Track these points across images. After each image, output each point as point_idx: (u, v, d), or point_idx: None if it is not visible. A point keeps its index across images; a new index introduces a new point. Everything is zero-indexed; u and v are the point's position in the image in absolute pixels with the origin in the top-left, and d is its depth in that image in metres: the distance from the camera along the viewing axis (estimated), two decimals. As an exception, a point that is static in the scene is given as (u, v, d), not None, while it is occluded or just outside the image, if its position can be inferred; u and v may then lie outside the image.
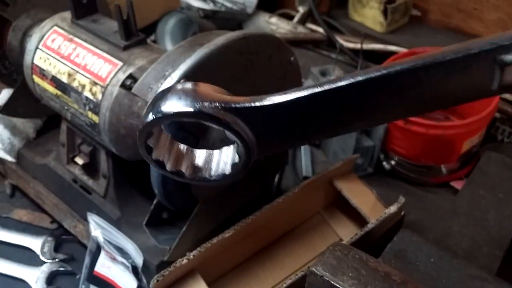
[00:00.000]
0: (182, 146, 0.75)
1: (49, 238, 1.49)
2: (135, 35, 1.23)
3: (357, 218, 1.34)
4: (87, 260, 1.33)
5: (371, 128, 1.66)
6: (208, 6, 2.36)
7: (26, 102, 1.47)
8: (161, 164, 0.72)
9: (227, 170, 0.72)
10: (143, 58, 1.18)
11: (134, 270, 1.25)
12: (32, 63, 1.31)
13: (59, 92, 1.26)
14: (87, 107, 1.20)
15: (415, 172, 1.70)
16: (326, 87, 0.64)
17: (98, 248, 1.32)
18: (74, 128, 1.36)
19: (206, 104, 0.64)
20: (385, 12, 2.18)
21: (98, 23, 1.28)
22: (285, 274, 1.29)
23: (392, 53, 2.10)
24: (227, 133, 0.67)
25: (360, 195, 1.35)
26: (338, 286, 0.85)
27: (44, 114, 1.62)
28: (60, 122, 1.41)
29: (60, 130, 1.41)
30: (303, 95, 0.65)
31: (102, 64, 1.19)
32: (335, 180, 1.37)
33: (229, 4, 2.45)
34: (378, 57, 2.09)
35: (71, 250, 1.49)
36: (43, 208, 1.56)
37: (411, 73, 0.62)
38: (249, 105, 0.66)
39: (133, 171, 1.35)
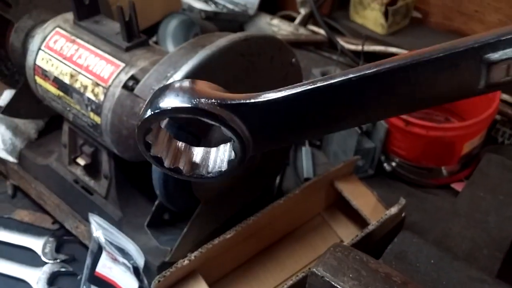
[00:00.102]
0: (180, 144, 0.76)
1: (51, 239, 1.49)
2: (137, 36, 1.23)
3: (358, 219, 1.34)
4: (88, 261, 1.33)
5: (368, 127, 1.66)
6: (210, 8, 2.36)
7: (28, 103, 1.48)
8: (159, 161, 0.73)
9: (224, 167, 0.73)
10: (145, 59, 1.18)
11: (136, 271, 1.25)
12: (34, 64, 1.31)
13: (61, 93, 1.26)
14: (89, 108, 1.20)
15: (415, 174, 1.70)
16: (319, 84, 0.65)
17: (100, 249, 1.32)
18: (76, 129, 1.37)
19: (202, 100, 0.66)
20: (386, 14, 2.19)
21: (100, 25, 1.29)
22: (286, 275, 1.30)
23: (393, 55, 2.10)
24: (223, 129, 0.68)
25: (361, 197, 1.35)
26: (338, 287, 0.86)
27: (46, 115, 1.62)
28: (62, 123, 1.42)
29: (62, 131, 1.42)
30: (296, 91, 0.66)
31: (104, 65, 1.19)
32: (336, 181, 1.37)
33: (230, 6, 2.45)
34: (379, 59, 2.07)
35: (73, 250, 1.49)
36: (45, 209, 1.56)
37: (400, 71, 0.63)
38: (245, 102, 0.67)
39: (134, 172, 1.36)
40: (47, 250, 1.47)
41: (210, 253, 1.14)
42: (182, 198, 1.16)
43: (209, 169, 0.74)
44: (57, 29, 1.30)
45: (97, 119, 1.19)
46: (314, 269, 0.88)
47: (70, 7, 1.29)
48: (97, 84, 1.18)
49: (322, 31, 2.34)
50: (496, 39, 0.59)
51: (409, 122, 1.57)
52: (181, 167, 0.74)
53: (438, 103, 0.66)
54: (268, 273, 1.29)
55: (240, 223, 1.20)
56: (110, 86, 1.16)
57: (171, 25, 2.13)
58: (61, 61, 1.26)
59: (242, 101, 0.68)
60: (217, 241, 1.15)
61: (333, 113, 0.69)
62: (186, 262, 1.09)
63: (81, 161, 1.38)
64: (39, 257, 1.46)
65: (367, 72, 0.63)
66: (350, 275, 0.86)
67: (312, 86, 0.66)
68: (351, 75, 0.64)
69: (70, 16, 1.32)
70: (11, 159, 1.59)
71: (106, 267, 1.32)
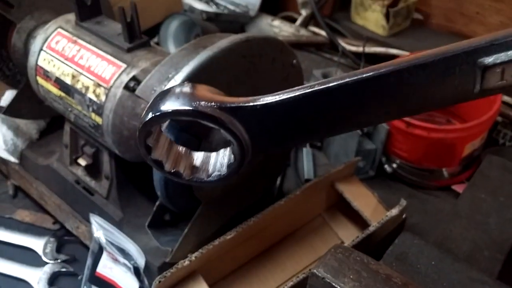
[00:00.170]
0: (181, 148, 0.77)
1: (52, 239, 1.49)
2: (138, 37, 1.23)
3: (359, 220, 1.34)
4: (89, 261, 1.33)
5: (369, 129, 1.67)
6: (211, 9, 2.36)
7: (29, 103, 1.48)
8: (159, 164, 0.74)
9: (223, 171, 0.74)
10: (147, 60, 1.18)
11: (136, 271, 1.25)
12: (36, 64, 1.31)
13: (62, 94, 1.27)
14: (90, 109, 1.20)
15: (416, 175, 1.70)
16: (317, 87, 0.66)
17: (100, 249, 1.32)
18: (77, 130, 1.37)
19: (202, 103, 0.67)
20: (387, 16, 2.19)
21: (102, 25, 1.29)
22: (286, 276, 1.30)
23: (394, 56, 2.10)
24: (222, 132, 0.68)
25: (362, 198, 1.35)
26: (339, 288, 0.86)
27: (47, 116, 1.63)
28: (63, 124, 1.42)
29: (63, 132, 1.42)
30: (295, 95, 0.67)
31: (105, 66, 1.19)
32: (337, 182, 1.37)
33: (232, 7, 2.46)
34: (380, 61, 2.06)
35: (73, 251, 1.49)
36: (46, 209, 1.56)
37: (396, 75, 0.63)
38: (244, 105, 0.68)
39: (135, 172, 1.36)
40: (48, 250, 1.47)
41: (211, 253, 1.14)
42: (183, 199, 1.17)
43: (209, 173, 0.75)
44: (59, 29, 1.31)
45: (98, 119, 1.19)
46: (315, 270, 0.88)
47: (72, 8, 1.29)
48: (99, 85, 1.18)
49: (323, 33, 2.35)
50: (489, 43, 0.59)
51: (410, 124, 1.57)
52: (181, 171, 0.75)
53: (435, 108, 0.67)
54: (268, 274, 1.29)
55: (241, 224, 1.20)
56: (111, 87, 1.16)
57: (172, 26, 2.13)
58: (62, 62, 1.26)
59: (241, 105, 0.68)
60: (218, 242, 1.15)
61: (331, 117, 0.70)
62: (186, 262, 1.09)
63: (82, 162, 1.38)
64: (40, 257, 1.46)
65: (363, 76, 0.64)
66: (351, 276, 0.86)
67: (310, 90, 0.66)
68: (348, 79, 0.65)
69: (72, 17, 1.32)
70: (12, 159, 1.59)
71: (107, 268, 1.32)
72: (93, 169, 1.39)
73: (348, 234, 1.39)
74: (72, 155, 1.42)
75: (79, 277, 1.41)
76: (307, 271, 1.11)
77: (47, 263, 1.44)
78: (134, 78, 1.14)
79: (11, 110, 1.48)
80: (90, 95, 1.19)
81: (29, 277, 1.41)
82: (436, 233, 1.22)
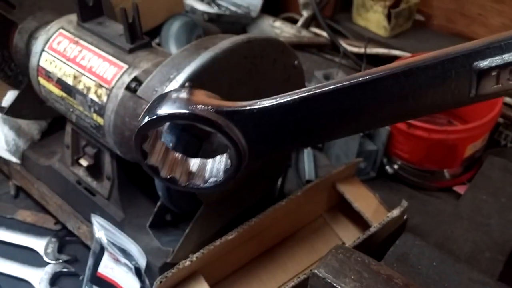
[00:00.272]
0: (177, 154, 0.77)
1: (53, 239, 1.50)
2: (140, 38, 1.23)
3: (360, 221, 1.34)
4: (90, 261, 1.33)
5: (371, 132, 1.66)
6: (213, 10, 2.36)
7: (31, 104, 1.48)
8: (155, 170, 0.74)
9: (220, 176, 0.74)
10: (148, 61, 1.19)
11: (137, 272, 1.25)
12: (38, 65, 1.32)
13: (64, 94, 1.27)
14: (92, 109, 1.20)
15: (418, 177, 1.70)
16: (313, 91, 0.66)
17: (102, 250, 1.32)
18: (79, 130, 1.37)
19: (199, 106, 0.67)
20: (389, 17, 2.19)
21: (103, 26, 1.29)
22: (287, 276, 1.30)
23: (395, 57, 2.10)
24: (219, 136, 0.68)
25: (363, 199, 1.35)
26: (340, 288, 0.86)
27: (49, 116, 1.63)
28: (65, 124, 1.42)
29: (65, 132, 1.42)
30: (291, 99, 0.67)
31: (107, 66, 1.19)
32: (338, 183, 1.37)
33: (233, 8, 2.46)
34: (381, 62, 2.09)
35: (75, 251, 1.49)
36: (47, 209, 1.56)
37: (393, 78, 0.63)
38: (241, 109, 0.68)
39: (137, 173, 1.36)
40: (49, 250, 1.47)
41: (212, 254, 1.14)
42: (184, 199, 1.17)
43: (205, 179, 0.75)
44: (61, 30, 1.31)
45: (100, 120, 1.19)
46: (316, 271, 0.88)
47: (74, 9, 1.29)
48: (100, 86, 1.18)
49: (324, 34, 2.35)
50: (484, 47, 0.59)
51: (411, 125, 1.57)
52: (177, 178, 0.74)
53: (432, 112, 0.67)
54: (269, 274, 1.29)
55: (242, 224, 1.20)
56: (113, 87, 1.16)
57: (174, 27, 2.14)
58: (64, 63, 1.26)
59: (238, 108, 0.68)
60: (219, 243, 1.15)
61: (328, 121, 0.69)
62: (188, 263, 1.10)
63: (84, 162, 1.38)
64: (41, 257, 1.46)
65: (360, 80, 0.64)
66: (352, 277, 0.86)
67: (307, 94, 0.66)
68: (345, 83, 0.65)
69: (73, 17, 1.32)
70: (14, 159, 1.59)
71: (108, 268, 1.32)
72: (95, 170, 1.39)
73: (349, 235, 1.39)
74: (74, 155, 1.42)
75: (81, 278, 1.41)
76: (308, 272, 1.11)
77: (48, 263, 1.45)
78: (135, 79, 1.14)
79: (13, 111, 1.48)
80: (92, 95, 1.20)
81: (31, 277, 1.41)
82: (437, 234, 1.22)
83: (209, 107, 0.67)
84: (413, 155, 1.66)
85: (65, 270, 1.44)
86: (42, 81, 1.32)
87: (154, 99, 0.71)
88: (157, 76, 1.09)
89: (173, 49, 2.14)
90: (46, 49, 1.31)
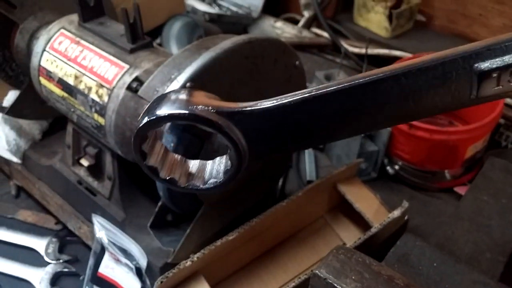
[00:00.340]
0: (176, 156, 0.76)
1: (54, 239, 1.50)
2: (141, 38, 1.23)
3: (361, 222, 1.34)
4: (91, 261, 1.33)
5: (372, 133, 1.66)
6: (214, 10, 2.37)
7: (32, 104, 1.48)
8: (154, 171, 0.73)
9: (220, 177, 0.73)
10: (149, 61, 1.19)
11: (138, 272, 1.25)
12: (39, 65, 1.32)
13: (65, 94, 1.27)
14: (93, 109, 1.20)
15: (419, 177, 1.70)
16: (314, 93, 0.66)
17: (102, 250, 1.32)
18: (80, 130, 1.37)
19: (199, 107, 0.66)
20: (390, 17, 2.19)
21: (104, 26, 1.29)
22: (288, 277, 1.30)
23: (396, 58, 2.10)
24: (219, 136, 0.68)
25: (364, 200, 1.35)
26: (341, 289, 0.86)
27: (50, 116, 1.63)
28: (66, 124, 1.42)
29: (66, 132, 1.42)
30: (292, 100, 0.67)
31: (108, 66, 1.19)
32: (339, 184, 1.37)
33: (234, 8, 2.46)
34: (382, 62, 2.09)
35: (75, 251, 1.49)
36: (48, 209, 1.56)
37: (393, 80, 0.63)
38: (241, 110, 0.68)
39: (138, 173, 1.36)
40: (50, 250, 1.47)
41: (213, 254, 1.14)
42: (185, 200, 1.17)
43: (205, 181, 0.75)
44: (62, 30, 1.31)
45: (101, 120, 1.20)
46: (317, 271, 0.88)
47: (75, 9, 1.29)
48: (101, 86, 1.18)
49: (325, 34, 2.35)
50: (485, 48, 0.59)
51: (412, 126, 1.57)
52: (177, 179, 0.74)
53: (432, 114, 0.67)
54: (270, 275, 1.30)
55: (243, 225, 1.20)
56: (114, 87, 1.16)
57: (175, 27, 2.14)
58: (65, 63, 1.26)
59: (238, 109, 0.68)
60: (220, 243, 1.15)
61: (328, 122, 0.69)
62: (188, 263, 1.10)
63: (85, 162, 1.38)
64: (42, 257, 1.46)
65: (360, 81, 0.64)
66: (353, 277, 0.86)
67: (308, 95, 0.66)
68: (345, 84, 0.65)
69: (74, 17, 1.32)
70: (15, 159, 1.59)
71: (109, 268, 1.32)
72: (96, 170, 1.39)
73: (350, 236, 1.39)
74: (75, 155, 1.42)
75: (81, 277, 1.41)
76: (309, 272, 1.11)
77: (49, 263, 1.45)
78: (136, 79, 1.14)
79: (14, 111, 1.49)
80: (93, 95, 1.20)
81: (31, 277, 1.41)
82: (438, 235, 1.22)
83: (210, 107, 0.67)
84: (414, 155, 1.66)
85: (65, 270, 1.44)
86: (43, 81, 1.32)
87: (153, 100, 0.71)
88: (158, 76, 1.09)
89: (174, 49, 2.14)
90: (47, 49, 1.31)
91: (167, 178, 0.74)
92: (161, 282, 1.06)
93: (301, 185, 1.68)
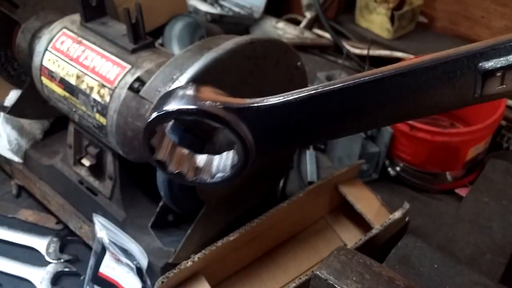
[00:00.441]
0: (184, 150, 0.77)
1: (55, 239, 1.50)
2: (143, 38, 1.23)
3: (362, 223, 1.34)
4: (92, 261, 1.33)
5: (373, 132, 1.66)
6: (216, 11, 2.37)
7: (34, 103, 1.48)
8: (163, 165, 0.74)
9: (227, 172, 0.74)
10: (151, 61, 1.19)
11: (139, 272, 1.25)
12: (41, 64, 1.32)
13: (67, 94, 1.27)
14: (95, 109, 1.21)
15: (420, 179, 1.70)
16: (321, 90, 0.66)
17: (103, 249, 1.33)
18: (81, 130, 1.37)
19: (207, 103, 0.67)
20: (392, 19, 2.19)
21: (106, 26, 1.29)
22: (288, 278, 1.30)
23: (398, 59, 2.10)
24: (226, 132, 0.69)
25: (365, 201, 1.35)
26: (341, 290, 0.86)
27: (51, 116, 1.63)
28: (67, 124, 1.42)
29: (67, 132, 1.42)
30: (299, 96, 0.67)
31: (110, 66, 1.20)
32: (340, 185, 1.37)
33: (236, 9, 2.46)
34: (384, 63, 2.08)
35: (76, 251, 1.49)
36: (49, 209, 1.56)
37: (398, 78, 0.64)
38: (249, 106, 0.69)
39: (139, 173, 1.36)
40: (51, 250, 1.47)
41: (214, 255, 1.15)
42: (187, 200, 1.17)
43: (212, 175, 0.75)
44: (64, 30, 1.31)
45: (102, 120, 1.20)
46: (318, 272, 0.88)
47: (77, 9, 1.29)
48: (103, 86, 1.18)
49: (327, 35, 2.35)
50: (489, 47, 0.60)
51: (414, 127, 1.57)
52: (185, 172, 0.75)
53: (436, 112, 0.67)
54: (271, 275, 1.30)
55: (244, 225, 1.20)
56: (116, 87, 1.16)
57: (177, 28, 2.14)
58: (67, 62, 1.26)
59: (246, 105, 0.69)
60: (221, 243, 1.15)
61: (334, 119, 0.70)
62: (189, 263, 1.10)
63: (86, 162, 1.38)
64: (43, 257, 1.46)
65: (366, 78, 0.65)
66: (354, 278, 0.86)
67: (314, 92, 0.67)
68: (351, 82, 0.65)
69: (77, 17, 1.32)
70: (16, 159, 1.59)
71: (110, 268, 1.32)
72: (97, 170, 1.39)
73: (351, 237, 1.39)
74: (76, 155, 1.42)
75: (82, 277, 1.41)
76: (309, 273, 1.11)
77: (50, 262, 1.45)
78: (138, 79, 1.14)
79: (16, 110, 1.49)
80: (95, 95, 1.20)
81: (32, 277, 1.41)
82: (439, 236, 1.22)
83: (217, 103, 0.68)
84: (415, 157, 1.66)
85: (66, 269, 1.44)
86: (45, 80, 1.32)
87: (161, 95, 0.71)
88: (160, 76, 1.09)
89: (176, 49, 2.14)
90: (49, 48, 1.31)
91: (175, 172, 0.74)
92: (162, 282, 1.06)
93: (302, 186, 1.68)
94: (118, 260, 1.30)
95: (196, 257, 1.11)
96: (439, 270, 1.05)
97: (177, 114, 0.68)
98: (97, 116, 1.21)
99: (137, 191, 1.39)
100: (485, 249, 1.17)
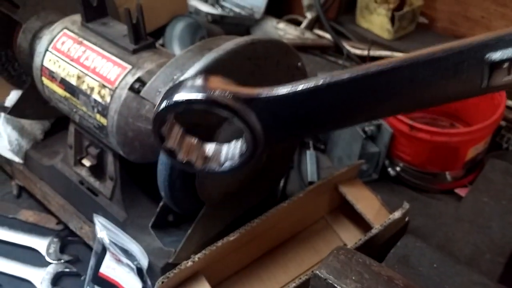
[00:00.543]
0: (193, 139, 0.78)
1: (55, 239, 1.50)
2: (144, 39, 1.24)
3: (362, 223, 1.34)
4: (92, 262, 1.34)
5: (373, 132, 1.66)
6: (216, 11, 2.37)
7: (34, 103, 1.48)
8: (172, 154, 0.75)
9: (235, 160, 0.75)
10: (152, 61, 1.19)
11: (139, 272, 1.26)
12: (42, 65, 1.32)
13: (68, 94, 1.27)
14: (95, 110, 1.21)
15: (420, 179, 1.70)
16: (329, 80, 0.67)
17: (104, 250, 1.33)
18: (82, 130, 1.37)
19: (217, 92, 0.68)
20: (392, 19, 2.19)
21: (107, 27, 1.29)
22: (288, 278, 1.30)
23: (398, 60, 2.10)
24: (236, 121, 0.70)
25: (365, 201, 1.35)
26: (341, 289, 0.86)
27: (52, 116, 1.63)
28: (68, 124, 1.42)
29: (68, 132, 1.42)
30: (308, 87, 0.68)
31: (111, 67, 1.20)
32: (340, 185, 1.37)
33: (237, 9, 2.46)
34: (384, 64, 2.09)
35: (77, 251, 1.50)
36: (50, 209, 1.57)
37: (407, 68, 0.65)
38: (258, 95, 0.70)
39: (139, 173, 1.36)
40: (51, 250, 1.48)
41: (214, 255, 1.15)
42: (187, 200, 1.17)
43: (221, 163, 0.77)
44: (65, 30, 1.31)
45: (103, 120, 1.20)
46: (317, 272, 0.89)
47: (78, 9, 1.30)
48: (104, 86, 1.19)
49: (328, 36, 2.35)
50: (496, 39, 0.61)
51: (413, 127, 1.57)
52: (193, 161, 0.76)
53: (443, 102, 0.68)
54: (271, 275, 1.30)
55: (244, 225, 1.20)
56: (116, 88, 1.17)
57: (178, 28, 2.14)
58: (68, 63, 1.26)
59: (255, 95, 0.70)
60: (221, 243, 1.15)
61: (342, 109, 0.71)
62: (189, 263, 1.10)
63: (87, 162, 1.38)
64: (43, 257, 1.47)
65: (374, 69, 0.66)
66: (353, 278, 0.86)
67: (321, 82, 0.68)
68: (360, 72, 0.66)
69: (77, 17, 1.33)
70: (16, 159, 1.59)
71: (110, 268, 1.32)
72: (97, 170, 1.39)
73: (351, 237, 1.40)
74: (77, 155, 1.42)
75: (82, 278, 1.41)
76: (309, 273, 1.11)
77: (50, 263, 1.45)
78: (139, 80, 1.14)
79: (16, 111, 1.49)
80: (95, 96, 1.20)
81: (33, 277, 1.41)
82: (439, 236, 1.22)
83: (227, 92, 0.68)
84: (415, 157, 1.66)
85: (67, 270, 1.44)
86: (46, 81, 1.32)
87: (171, 86, 0.72)
88: (160, 77, 1.09)
89: (177, 50, 2.15)
90: (50, 49, 1.31)
91: (184, 161, 0.75)
92: (162, 282, 1.06)
93: (302, 186, 1.68)
94: (119, 261, 1.30)
95: (196, 257, 1.11)
96: (438, 270, 1.05)
97: (187, 103, 0.69)
98: (98, 116, 1.21)
99: (138, 192, 1.40)
100: (484, 249, 1.17)
